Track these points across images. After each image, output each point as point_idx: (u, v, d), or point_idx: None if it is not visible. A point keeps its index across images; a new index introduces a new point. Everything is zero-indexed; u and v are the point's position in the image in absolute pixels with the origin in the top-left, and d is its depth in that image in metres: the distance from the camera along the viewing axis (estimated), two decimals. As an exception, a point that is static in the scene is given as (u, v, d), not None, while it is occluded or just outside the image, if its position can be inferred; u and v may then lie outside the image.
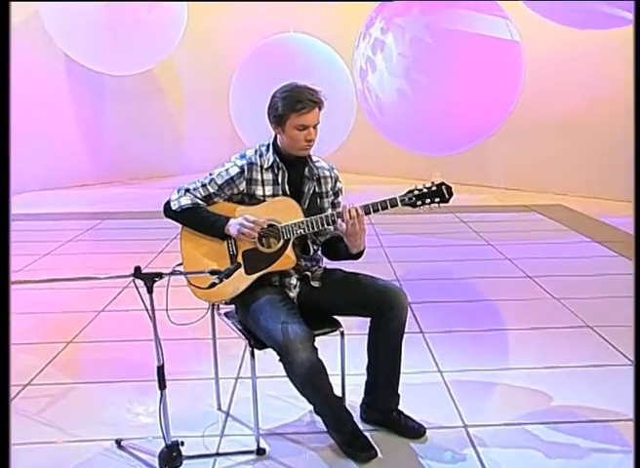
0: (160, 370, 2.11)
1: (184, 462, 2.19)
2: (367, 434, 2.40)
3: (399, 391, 2.45)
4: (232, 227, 2.29)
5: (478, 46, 5.18)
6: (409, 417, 2.46)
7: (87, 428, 2.50)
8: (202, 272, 2.10)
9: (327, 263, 2.50)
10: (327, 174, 2.47)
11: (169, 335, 3.07)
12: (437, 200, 2.29)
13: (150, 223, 5.70)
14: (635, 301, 2.24)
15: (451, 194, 2.30)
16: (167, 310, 2.23)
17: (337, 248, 2.41)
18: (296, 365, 2.11)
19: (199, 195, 2.35)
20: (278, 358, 2.14)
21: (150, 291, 2.04)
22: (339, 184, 2.51)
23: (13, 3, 2.35)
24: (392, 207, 2.27)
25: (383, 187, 7.44)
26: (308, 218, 2.28)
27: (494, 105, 5.39)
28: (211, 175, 2.37)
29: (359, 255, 2.37)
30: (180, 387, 2.77)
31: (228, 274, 2.06)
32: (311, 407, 2.33)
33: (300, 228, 2.28)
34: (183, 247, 2.39)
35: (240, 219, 2.27)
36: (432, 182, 2.30)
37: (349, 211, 2.23)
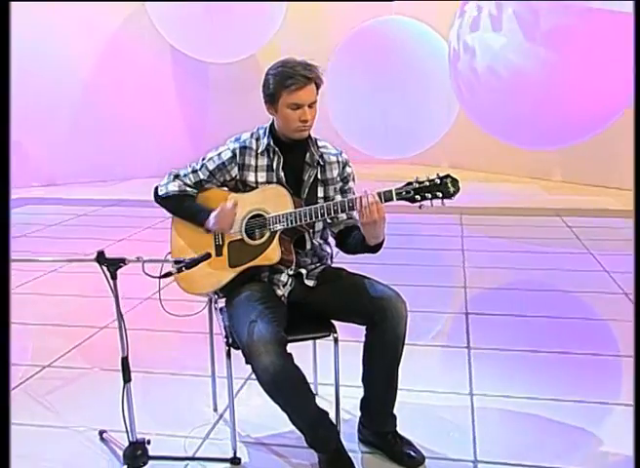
0: (124, 361, 1.99)
1: (153, 463, 2.07)
2: (360, 456, 2.14)
3: (395, 412, 2.15)
4: (211, 223, 2.11)
5: (589, 19, 4.51)
6: (408, 443, 2.15)
7: (82, 415, 2.45)
8: (166, 260, 1.95)
9: (344, 258, 2.26)
10: (333, 159, 2.22)
11: (178, 328, 3.01)
12: (440, 195, 1.95)
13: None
14: (635, 301, 2.21)
15: (457, 189, 1.95)
16: (160, 300, 2.10)
17: (352, 239, 2.15)
18: (259, 370, 1.89)
19: (189, 182, 2.18)
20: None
21: (114, 276, 1.93)
22: (348, 169, 2.25)
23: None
24: (387, 201, 1.98)
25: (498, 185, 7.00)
26: (298, 209, 2.06)
27: (613, 89, 4.53)
28: (203, 159, 2.20)
29: (378, 248, 2.09)
30: (180, 383, 2.66)
31: (189, 265, 1.89)
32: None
33: (287, 220, 2.06)
34: (173, 235, 2.25)
35: (215, 213, 2.09)
36: (437, 174, 1.97)
37: (361, 198, 1.96)
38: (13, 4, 6.71)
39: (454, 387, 2.63)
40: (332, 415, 2.09)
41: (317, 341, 2.41)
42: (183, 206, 2.18)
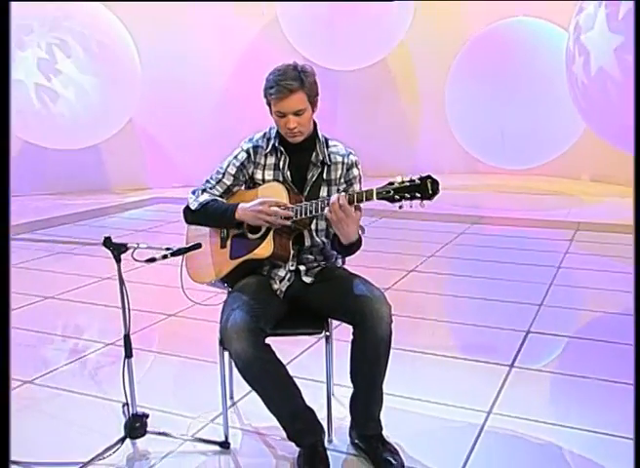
0: (127, 338, 2.18)
1: (152, 436, 2.24)
2: (344, 457, 2.14)
3: (378, 417, 2.12)
4: (247, 214, 2.11)
5: None
6: (391, 449, 2.10)
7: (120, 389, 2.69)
8: (159, 248, 2.10)
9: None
10: (339, 160, 2.25)
11: (205, 316, 3.14)
12: (418, 196, 1.90)
13: (402, 224, 5.73)
14: (635, 300, 2.17)
15: (436, 191, 1.89)
16: (182, 288, 2.28)
17: (334, 238, 2.17)
18: (232, 355, 1.98)
19: (217, 192, 2.26)
20: (223, 345, 2.03)
21: (118, 260, 2.12)
22: (354, 171, 2.26)
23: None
24: (367, 200, 1.97)
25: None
26: (290, 206, 2.11)
27: None
28: (221, 168, 2.29)
29: (352, 248, 2.11)
30: (200, 369, 2.82)
31: (176, 252, 2.03)
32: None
33: None
34: (189, 228, 2.40)
35: (261, 208, 2.09)
36: (420, 175, 1.92)
37: (330, 199, 2.00)
38: (166, 19, 7.34)
39: (474, 403, 2.50)
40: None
41: (333, 340, 2.42)
42: (213, 208, 2.20)
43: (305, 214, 2.08)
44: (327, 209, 2.01)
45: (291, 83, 2.07)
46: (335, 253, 2.30)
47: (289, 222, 2.10)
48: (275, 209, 2.08)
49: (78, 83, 6.28)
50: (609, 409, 2.47)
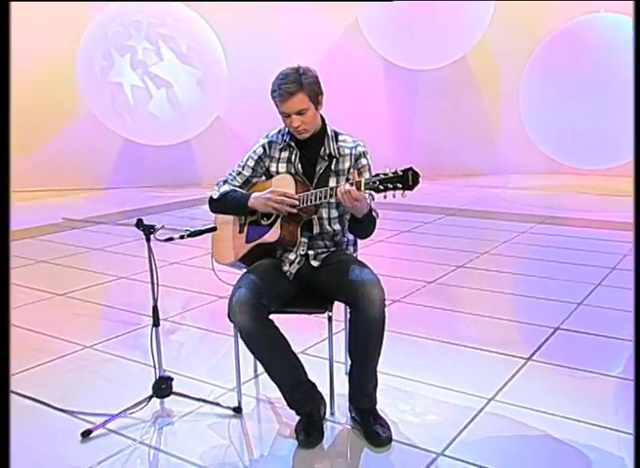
0: (154, 309, 2.48)
1: (175, 397, 2.53)
2: (340, 428, 2.34)
3: (371, 392, 2.29)
4: (258, 201, 2.35)
5: None
6: (382, 423, 2.27)
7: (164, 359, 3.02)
8: (178, 230, 2.38)
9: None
10: (347, 152, 2.43)
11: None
12: (399, 186, 2.06)
13: (469, 222, 5.82)
14: (635, 300, 2.15)
15: (416, 182, 2.04)
16: (213, 269, 2.56)
17: (349, 223, 2.39)
18: (236, 327, 2.22)
19: (237, 183, 2.49)
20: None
21: (148, 239, 2.43)
22: (362, 161, 2.43)
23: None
24: (358, 189, 2.14)
25: None
26: (296, 195, 2.32)
27: None
28: (242, 161, 2.53)
29: (367, 223, 2.32)
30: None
31: (191, 234, 2.30)
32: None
33: None
34: (215, 216, 2.66)
35: (267, 195, 2.32)
36: (404, 167, 2.08)
37: (338, 187, 2.21)
38: (253, 21, 7.70)
39: (479, 390, 2.60)
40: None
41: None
42: (231, 197, 2.44)
43: (308, 202, 2.28)
44: (336, 197, 2.21)
45: (290, 86, 2.27)
46: (349, 239, 2.49)
47: (294, 210, 2.31)
48: (282, 197, 2.30)
49: (170, 84, 6.80)
50: (621, 407, 2.49)
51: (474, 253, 4.70)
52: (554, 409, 2.45)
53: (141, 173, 8.34)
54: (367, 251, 4.90)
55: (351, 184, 2.16)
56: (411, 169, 2.06)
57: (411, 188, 2.06)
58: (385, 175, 2.10)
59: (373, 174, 2.28)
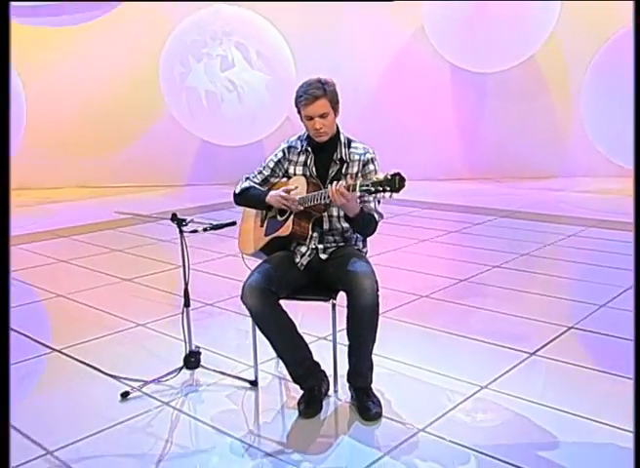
0: (186, 292, 2.86)
1: (202, 370, 2.90)
2: (339, 403, 2.64)
3: (366, 373, 2.57)
4: (273, 198, 2.73)
5: None
6: (374, 401, 2.55)
7: (205, 338, 3.39)
8: (203, 223, 2.74)
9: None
10: (356, 157, 2.70)
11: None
12: (388, 189, 2.31)
13: (519, 224, 5.95)
14: (635, 300, 2.17)
15: (402, 185, 2.30)
16: (243, 258, 2.92)
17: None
18: (246, 308, 2.55)
19: (257, 181, 2.84)
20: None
21: (180, 230, 2.80)
22: (369, 167, 2.69)
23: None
24: (353, 191, 2.41)
25: None
26: (300, 196, 2.62)
27: None
28: (264, 162, 2.86)
29: (359, 222, 2.58)
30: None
31: (213, 227, 2.66)
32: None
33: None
34: (244, 210, 3.01)
35: (278, 193, 2.67)
36: (394, 172, 2.34)
37: (331, 188, 2.48)
38: (321, 25, 8.13)
39: (474, 378, 2.82)
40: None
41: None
42: (252, 193, 2.81)
43: (314, 201, 2.58)
44: (329, 193, 2.50)
45: (315, 91, 2.58)
46: (358, 236, 2.77)
47: (302, 207, 2.61)
48: (291, 195, 2.61)
49: (241, 88, 7.27)
50: (621, 405, 2.62)
51: (514, 255, 4.82)
52: (547, 401, 2.62)
53: (216, 171, 8.88)
54: (412, 249, 5.17)
55: (347, 187, 2.44)
56: (398, 174, 2.32)
57: (397, 191, 2.32)
58: (377, 178, 2.37)
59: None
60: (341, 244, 2.75)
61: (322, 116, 2.61)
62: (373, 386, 2.62)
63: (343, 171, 2.70)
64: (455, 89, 8.80)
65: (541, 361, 3.01)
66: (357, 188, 2.41)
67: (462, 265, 4.61)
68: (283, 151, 2.82)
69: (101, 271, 4.75)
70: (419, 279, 4.30)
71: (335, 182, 2.47)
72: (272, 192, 2.70)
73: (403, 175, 2.32)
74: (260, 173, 2.85)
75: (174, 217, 2.81)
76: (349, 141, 2.76)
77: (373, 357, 2.61)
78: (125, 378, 2.90)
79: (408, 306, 3.77)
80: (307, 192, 2.65)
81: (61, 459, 2.32)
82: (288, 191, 2.62)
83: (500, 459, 2.23)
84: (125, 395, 2.76)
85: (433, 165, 8.97)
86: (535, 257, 4.80)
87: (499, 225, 5.94)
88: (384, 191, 2.34)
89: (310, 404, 2.57)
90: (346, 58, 8.55)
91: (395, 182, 2.32)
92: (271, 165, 2.83)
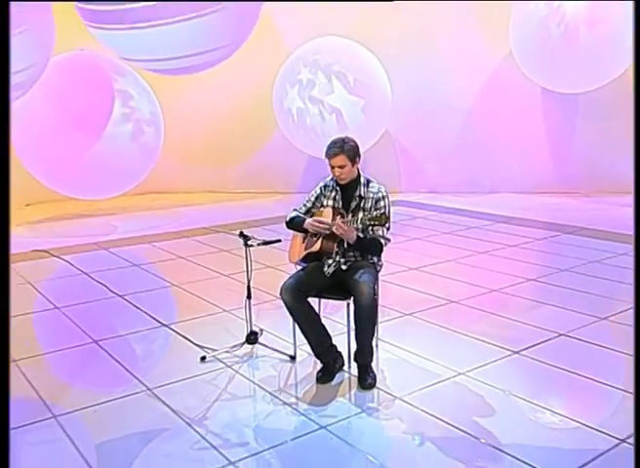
0: (248, 287, 3.93)
1: (259, 346, 3.97)
2: (348, 377, 3.58)
3: (366, 354, 3.50)
4: (308, 225, 3.72)
5: None
6: (370, 375, 3.48)
7: (267, 322, 4.45)
8: (256, 239, 3.78)
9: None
10: (370, 195, 3.61)
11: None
12: (376, 223, 3.25)
13: (579, 241, 6.46)
14: (635, 300, 2.29)
15: (386, 221, 3.30)
16: (296, 264, 3.96)
17: None
18: (282, 302, 3.55)
19: (302, 211, 3.81)
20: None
21: (246, 244, 3.87)
22: (380, 203, 3.59)
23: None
24: (351, 224, 3.35)
25: None
26: (330, 222, 3.58)
27: None
28: (308, 197, 3.83)
29: (356, 245, 3.52)
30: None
31: (261, 243, 3.70)
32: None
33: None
34: (292, 240, 4.01)
35: (310, 221, 3.69)
36: (384, 212, 3.28)
37: (335, 223, 3.46)
38: (418, 48, 9.22)
39: (456, 365, 3.63)
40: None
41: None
42: (297, 220, 3.78)
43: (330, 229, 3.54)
44: (334, 227, 3.45)
45: (335, 150, 3.55)
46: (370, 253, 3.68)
47: (327, 231, 3.57)
48: (319, 224, 3.59)
49: (339, 111, 8.30)
50: (595, 405, 3.30)
51: (553, 269, 5.43)
52: (518, 392, 3.33)
53: (323, 180, 9.98)
54: (465, 260, 5.91)
55: (345, 222, 3.39)
56: (383, 214, 3.25)
57: (382, 225, 3.27)
58: (372, 216, 3.30)
59: (388, 212, 3.47)
60: (359, 258, 3.68)
61: (340, 167, 3.56)
62: (379, 367, 3.53)
63: (361, 205, 3.63)
64: (545, 107, 9.25)
65: (524, 360, 3.74)
66: (359, 222, 3.35)
67: (502, 277, 5.31)
68: (320, 189, 3.80)
69: (207, 267, 5.99)
70: (456, 287, 5.09)
71: (338, 218, 3.43)
72: (308, 220, 3.69)
73: (387, 214, 3.24)
74: (304, 205, 3.83)
75: (241, 234, 3.89)
76: (368, 182, 3.68)
77: (387, 346, 3.54)
78: (205, 347, 4.04)
79: (436, 309, 4.60)
80: (332, 220, 3.61)
81: (160, 397, 3.47)
82: (318, 221, 3.59)
83: (456, 427, 3.02)
84: (203, 358, 3.90)
85: (523, 178, 9.48)
86: (571, 273, 5.37)
87: (558, 241, 6.48)
88: (375, 225, 3.27)
89: (325, 374, 3.54)
90: (442, 79, 9.32)
91: (381, 219, 3.24)
92: (313, 199, 3.81)
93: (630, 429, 2.84)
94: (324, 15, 9.37)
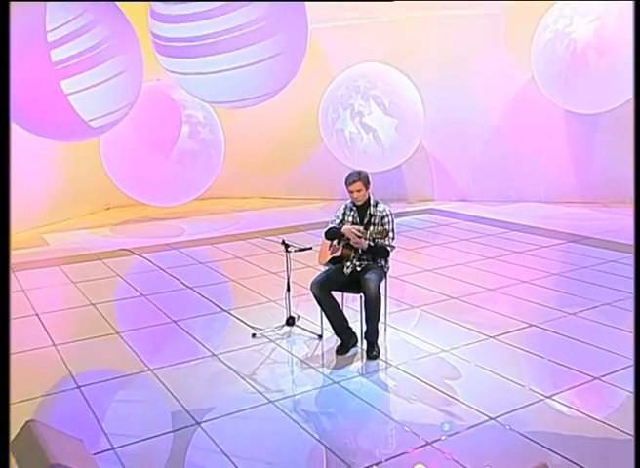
0: (288, 283, 5.16)
1: (296, 328, 5.21)
2: (360, 350, 4.77)
3: (373, 334, 4.67)
4: (344, 230, 4.91)
5: None
6: (375, 349, 4.66)
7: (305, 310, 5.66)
8: (291, 245, 5.00)
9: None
10: (378, 214, 4.79)
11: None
12: (380, 237, 4.45)
13: (583, 249, 7.34)
14: (635, 301, 2.45)
15: (386, 234, 4.45)
16: (323, 265, 5.18)
17: None
18: (311, 293, 4.77)
19: (335, 224, 5.00)
20: (315, 289, 4.85)
21: (287, 250, 5.10)
22: (385, 220, 4.77)
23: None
24: (363, 236, 4.53)
25: None
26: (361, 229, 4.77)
27: None
28: (335, 214, 5.02)
29: (367, 251, 4.70)
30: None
31: (297, 250, 4.93)
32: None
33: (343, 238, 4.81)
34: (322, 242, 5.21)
35: (349, 228, 4.88)
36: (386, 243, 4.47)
37: (350, 236, 4.64)
38: (450, 70, 10.57)
39: (440, 344, 4.77)
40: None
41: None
42: (334, 230, 4.96)
43: (348, 239, 4.74)
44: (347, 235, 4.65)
45: (353, 178, 4.76)
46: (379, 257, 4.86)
47: (360, 234, 4.75)
48: (350, 228, 4.78)
49: (375, 130, 9.46)
50: (530, 375, 4.44)
51: (546, 273, 6.44)
52: (485, 365, 4.45)
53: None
54: (474, 264, 6.97)
55: (359, 231, 4.57)
56: (385, 229, 4.45)
57: (384, 238, 4.47)
58: (377, 231, 4.50)
59: (391, 228, 4.65)
60: (370, 262, 4.86)
61: (358, 191, 4.75)
62: (385, 344, 4.73)
63: (372, 221, 4.81)
64: (567, 123, 10.17)
65: (497, 344, 4.83)
66: (367, 235, 4.54)
67: (500, 278, 6.37)
68: (344, 208, 5.00)
69: (259, 266, 7.26)
70: (459, 286, 6.19)
71: (352, 226, 4.63)
72: (347, 226, 4.88)
73: (389, 229, 4.44)
74: (333, 221, 5.04)
75: (283, 242, 5.13)
76: (376, 203, 4.86)
77: (394, 330, 4.77)
78: (255, 327, 5.30)
79: (438, 304, 5.73)
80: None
81: (222, 360, 4.73)
82: (353, 227, 4.78)
83: (434, 387, 4.16)
84: (253, 335, 5.17)
85: (547, 189, 10.41)
86: (561, 277, 6.38)
87: (561, 249, 7.46)
88: (379, 238, 4.46)
89: (342, 348, 4.76)
90: (472, 98, 10.35)
91: (383, 233, 4.44)
92: (341, 216, 5.01)
93: (554, 389, 3.94)
94: (367, 42, 10.54)
